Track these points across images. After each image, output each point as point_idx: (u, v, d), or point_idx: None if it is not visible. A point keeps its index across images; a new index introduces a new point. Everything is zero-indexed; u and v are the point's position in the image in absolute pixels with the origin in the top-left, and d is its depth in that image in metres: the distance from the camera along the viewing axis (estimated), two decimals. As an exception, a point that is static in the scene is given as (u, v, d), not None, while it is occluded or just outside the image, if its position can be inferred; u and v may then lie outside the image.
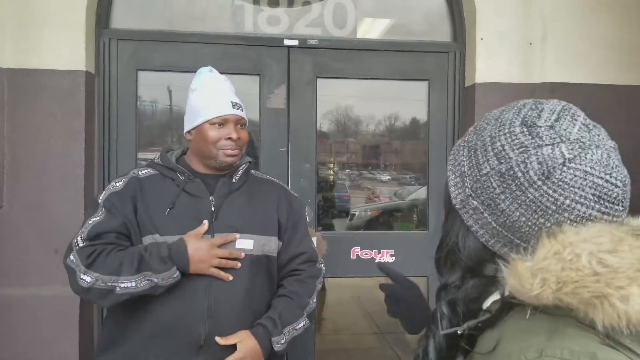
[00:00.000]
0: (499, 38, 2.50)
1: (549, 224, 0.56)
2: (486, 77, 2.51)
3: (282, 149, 2.55)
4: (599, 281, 0.49)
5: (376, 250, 2.55)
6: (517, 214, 0.57)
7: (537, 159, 0.56)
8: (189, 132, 1.45)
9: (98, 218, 1.34)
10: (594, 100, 2.50)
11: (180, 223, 1.36)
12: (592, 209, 0.55)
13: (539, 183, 0.56)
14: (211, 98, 1.41)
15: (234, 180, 1.47)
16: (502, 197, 0.58)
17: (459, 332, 0.62)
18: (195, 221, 1.38)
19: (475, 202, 0.61)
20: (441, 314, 0.65)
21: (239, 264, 1.37)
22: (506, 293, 0.58)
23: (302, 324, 1.45)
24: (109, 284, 1.26)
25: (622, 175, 0.57)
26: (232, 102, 1.42)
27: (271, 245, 1.46)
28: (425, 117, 2.69)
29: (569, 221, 0.55)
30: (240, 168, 1.50)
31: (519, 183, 0.57)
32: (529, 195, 0.56)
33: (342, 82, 2.63)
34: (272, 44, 2.51)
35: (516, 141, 0.58)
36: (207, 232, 1.38)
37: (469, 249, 0.63)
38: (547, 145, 0.56)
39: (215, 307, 1.35)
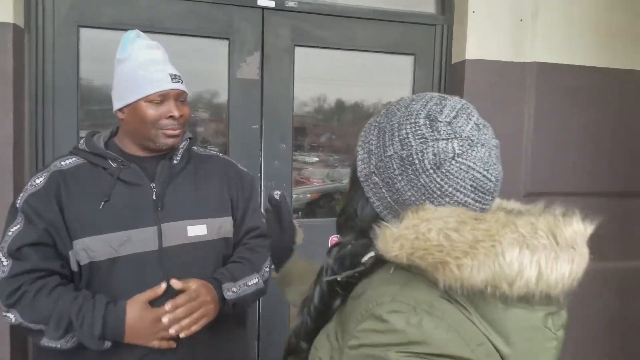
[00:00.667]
0: (489, 13, 2.33)
1: (428, 202, 0.66)
2: (477, 53, 2.33)
3: (254, 127, 2.24)
4: (441, 251, 0.61)
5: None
6: (409, 194, 0.67)
7: (433, 150, 0.65)
8: (120, 110, 1.25)
9: (18, 227, 1.16)
10: (582, 81, 2.43)
11: (119, 217, 1.19)
12: (469, 197, 0.66)
13: (431, 171, 0.65)
14: (146, 70, 1.21)
15: (175, 162, 1.30)
16: (399, 178, 0.67)
17: (338, 279, 0.73)
18: (136, 214, 1.21)
19: (376, 179, 0.70)
20: (327, 265, 0.76)
21: (174, 345, 1.19)
22: (378, 252, 0.68)
23: (254, 281, 1.33)
24: (36, 329, 1.13)
25: (496, 172, 0.68)
26: (171, 75, 1.23)
27: (227, 226, 1.34)
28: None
29: (448, 204, 0.66)
30: (181, 147, 1.33)
31: (414, 169, 0.66)
32: (421, 180, 0.66)
33: (320, 53, 2.34)
34: (244, 4, 2.17)
35: (418, 132, 0.67)
36: (152, 224, 1.22)
37: (365, 216, 0.73)
38: (443, 139, 0.66)
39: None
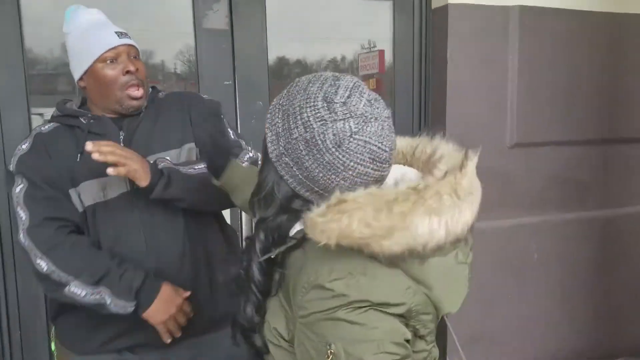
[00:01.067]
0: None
1: (338, 179, 0.74)
2: (459, -4, 2.19)
3: (226, 83, 2.05)
4: (363, 239, 0.71)
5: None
6: (317, 171, 0.74)
7: (333, 131, 0.72)
8: (81, 79, 1.30)
9: (22, 186, 1.23)
10: (565, 26, 2.34)
11: (95, 167, 1.21)
12: (368, 167, 0.74)
13: (333, 150, 0.72)
14: (91, 34, 1.26)
15: (140, 115, 1.34)
16: (307, 158, 0.74)
17: (272, 256, 0.80)
18: None
19: (287, 159, 0.76)
20: (259, 241, 0.82)
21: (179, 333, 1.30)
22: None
23: (200, 166, 1.30)
24: (63, 280, 1.19)
25: (390, 142, 0.76)
26: (117, 32, 1.28)
27: (191, 153, 1.35)
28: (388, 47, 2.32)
29: (351, 176, 0.74)
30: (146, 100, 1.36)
31: (319, 149, 0.73)
32: (326, 158, 0.73)
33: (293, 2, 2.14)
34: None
35: (318, 115, 0.73)
36: None
37: (282, 192, 0.79)
38: (340, 120, 0.72)
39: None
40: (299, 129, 0.74)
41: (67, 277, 1.18)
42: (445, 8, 2.20)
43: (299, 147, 0.74)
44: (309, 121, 0.73)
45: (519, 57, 2.29)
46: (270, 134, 0.78)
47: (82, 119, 1.29)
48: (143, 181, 1.18)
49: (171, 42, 2.04)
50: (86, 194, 1.25)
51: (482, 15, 2.22)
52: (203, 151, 1.36)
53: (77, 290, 1.17)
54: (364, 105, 0.73)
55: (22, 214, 1.21)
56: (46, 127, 1.30)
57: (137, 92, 1.28)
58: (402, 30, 2.30)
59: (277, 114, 0.78)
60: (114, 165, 1.14)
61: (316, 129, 0.72)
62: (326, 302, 0.72)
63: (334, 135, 0.72)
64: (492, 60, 2.27)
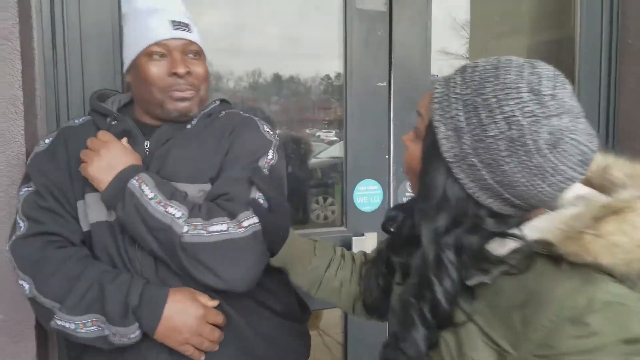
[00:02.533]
0: None
1: (544, 185, 0.64)
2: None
3: (380, 84, 1.51)
4: None
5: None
6: (519, 175, 0.64)
7: (548, 129, 0.62)
8: (128, 72, 1.09)
9: (29, 189, 1.03)
10: None
11: None
12: (576, 171, 0.64)
13: (546, 151, 0.62)
14: (142, 21, 1.04)
15: (187, 127, 1.08)
16: (508, 160, 0.64)
17: (487, 281, 0.68)
18: None
19: (474, 160, 0.66)
20: (450, 262, 0.69)
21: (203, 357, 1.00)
22: (528, 246, 0.67)
23: (221, 228, 0.96)
24: (47, 306, 0.96)
25: (597, 141, 0.66)
26: (173, 22, 1.03)
27: (202, 195, 1.07)
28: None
29: (559, 182, 0.64)
30: (202, 112, 1.10)
31: (527, 150, 0.62)
32: (534, 161, 0.63)
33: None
34: None
35: (527, 109, 0.62)
36: None
37: (456, 198, 0.68)
38: (554, 115, 0.62)
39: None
40: (499, 126, 0.63)
41: (50, 303, 0.96)
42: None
43: (498, 146, 0.63)
44: (515, 116, 0.62)
45: None
46: (445, 128, 0.67)
47: (108, 119, 1.07)
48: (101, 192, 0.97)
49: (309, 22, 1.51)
50: (93, 209, 1.02)
51: None
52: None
53: (67, 322, 0.95)
54: (569, 98, 0.64)
55: (20, 222, 1.02)
56: (79, 120, 1.12)
57: (183, 93, 1.03)
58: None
59: (453, 105, 0.67)
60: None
61: (526, 126, 0.62)
62: (585, 341, 0.60)
63: (549, 134, 0.62)
64: None
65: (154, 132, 1.06)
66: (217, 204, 0.99)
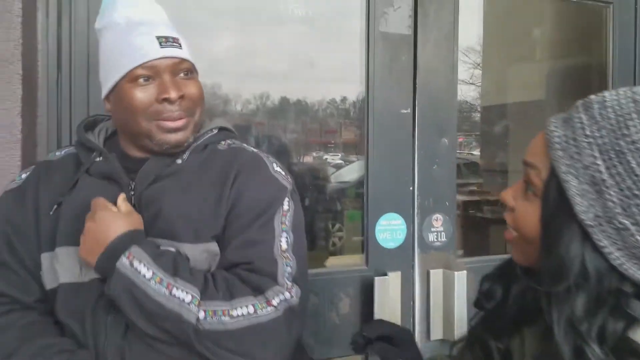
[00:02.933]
0: None
1: None
2: None
3: (404, 111, 1.42)
4: None
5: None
6: None
7: None
8: (106, 98, 0.92)
9: None
10: None
11: (72, 228, 0.86)
12: None
13: None
14: (124, 37, 0.88)
15: (178, 162, 0.92)
16: None
17: None
18: None
19: (626, 221, 0.54)
20: (596, 357, 0.55)
21: None
22: None
23: (247, 311, 0.80)
24: None
25: None
26: (160, 38, 0.88)
27: (210, 255, 0.88)
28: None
29: None
30: (196, 143, 0.94)
31: None
32: None
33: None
34: None
35: None
36: None
37: (596, 272, 0.56)
38: None
39: None
40: None
41: None
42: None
43: None
44: None
45: None
46: (577, 182, 0.56)
47: (93, 154, 0.93)
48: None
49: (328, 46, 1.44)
50: (64, 267, 0.87)
51: None
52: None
53: None
54: None
55: None
56: (60, 153, 0.99)
57: (173, 123, 0.89)
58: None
59: (587, 151, 0.56)
60: None
61: None
62: None
63: None
64: None
65: (139, 165, 0.92)
66: (239, 276, 0.84)
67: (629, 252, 0.55)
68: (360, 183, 1.48)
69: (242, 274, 0.84)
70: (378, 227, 1.40)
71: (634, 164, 0.54)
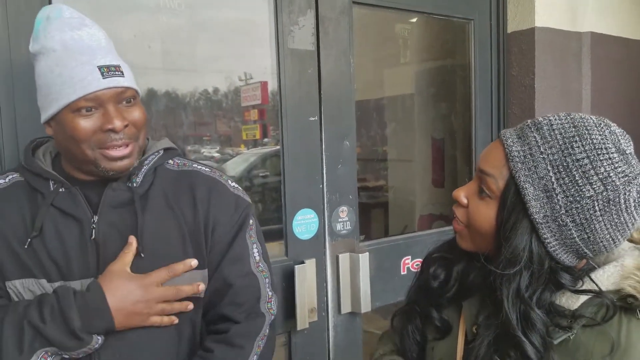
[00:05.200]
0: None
1: (621, 238, 0.68)
2: (544, 20, 1.98)
3: (312, 119, 1.60)
4: None
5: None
6: (605, 232, 0.67)
7: (637, 188, 0.66)
8: (47, 122, 0.93)
9: None
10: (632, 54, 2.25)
11: (47, 261, 0.91)
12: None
13: (632, 209, 0.67)
14: (65, 65, 0.88)
15: (134, 185, 0.96)
16: (600, 219, 0.66)
17: (570, 336, 0.69)
18: (67, 258, 0.92)
19: (567, 220, 0.67)
20: (539, 319, 0.69)
21: (191, 305, 0.96)
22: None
23: None
24: None
25: None
26: (102, 67, 0.88)
27: (195, 284, 0.97)
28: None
29: (629, 234, 0.69)
30: (145, 164, 0.98)
31: (618, 208, 0.66)
32: (622, 218, 0.67)
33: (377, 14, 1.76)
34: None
35: (619, 169, 0.66)
36: (87, 275, 0.92)
37: (538, 257, 0.69)
38: (638, 174, 0.67)
39: None
40: (595, 187, 0.66)
41: None
42: (531, 31, 1.97)
43: (593, 207, 0.66)
44: (609, 177, 0.65)
45: (592, 84, 2.15)
46: (533, 189, 0.68)
47: (51, 183, 0.94)
48: None
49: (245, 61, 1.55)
50: (35, 294, 0.92)
51: (561, 41, 2.04)
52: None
53: None
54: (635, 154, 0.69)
55: None
56: (7, 179, 0.96)
57: (118, 151, 0.91)
58: (480, 51, 2.03)
59: (541, 165, 0.68)
60: None
61: (620, 187, 0.65)
62: None
63: (638, 193, 0.66)
64: (568, 90, 2.10)
65: (88, 190, 0.94)
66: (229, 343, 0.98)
67: (563, 242, 0.69)
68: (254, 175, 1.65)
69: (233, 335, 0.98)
70: (295, 222, 1.58)
71: (577, 177, 0.66)
